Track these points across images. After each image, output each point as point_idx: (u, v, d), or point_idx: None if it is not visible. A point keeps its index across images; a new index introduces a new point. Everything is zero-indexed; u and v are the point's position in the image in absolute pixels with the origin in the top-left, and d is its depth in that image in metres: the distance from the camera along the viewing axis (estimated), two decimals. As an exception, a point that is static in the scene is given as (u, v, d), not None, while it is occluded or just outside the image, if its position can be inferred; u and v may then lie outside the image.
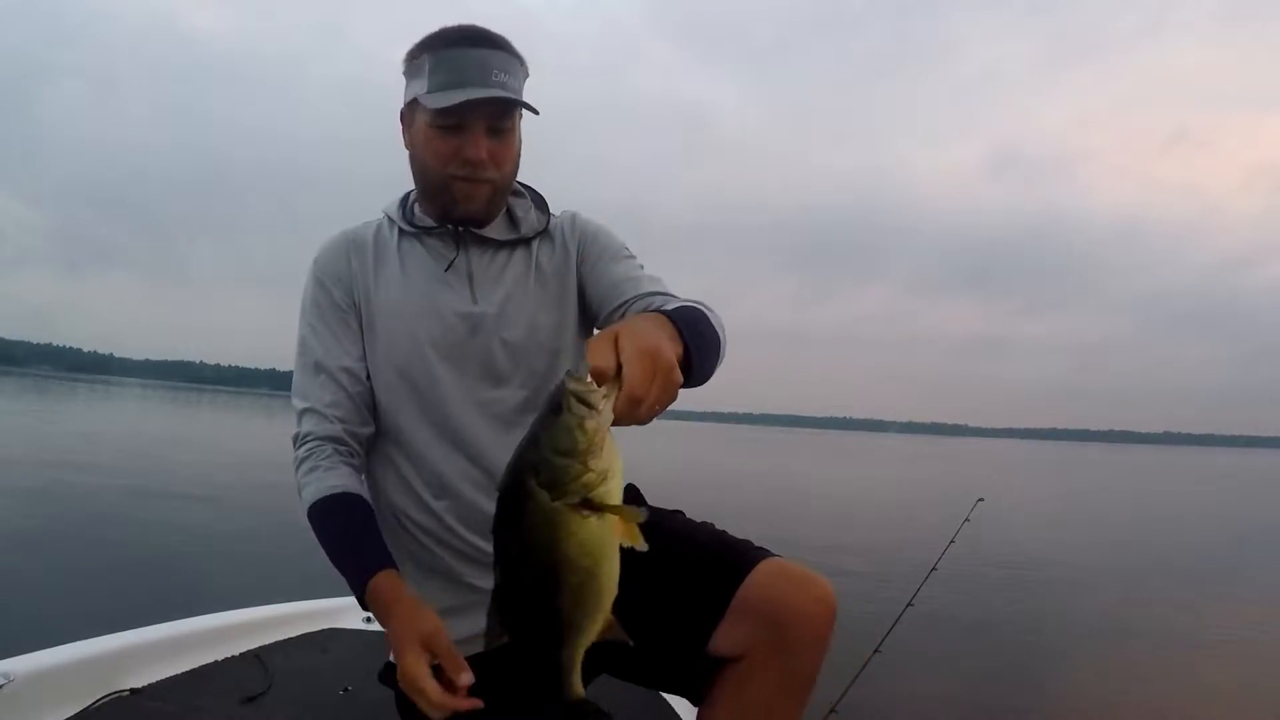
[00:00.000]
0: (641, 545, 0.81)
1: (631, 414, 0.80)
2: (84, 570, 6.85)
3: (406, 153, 1.29)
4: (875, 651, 2.57)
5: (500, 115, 1.19)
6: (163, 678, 2.18)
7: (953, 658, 5.91)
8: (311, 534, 1.18)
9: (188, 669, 2.26)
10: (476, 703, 0.96)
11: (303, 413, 1.25)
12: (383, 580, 1.06)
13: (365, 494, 1.19)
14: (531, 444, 0.79)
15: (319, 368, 1.24)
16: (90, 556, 7.41)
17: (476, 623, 1.16)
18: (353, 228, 1.33)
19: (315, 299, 1.27)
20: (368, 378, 1.26)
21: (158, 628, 2.35)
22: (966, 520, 2.76)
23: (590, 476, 0.78)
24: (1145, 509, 21.65)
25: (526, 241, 1.28)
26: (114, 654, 2.15)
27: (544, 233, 1.31)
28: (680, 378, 0.85)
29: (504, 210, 1.30)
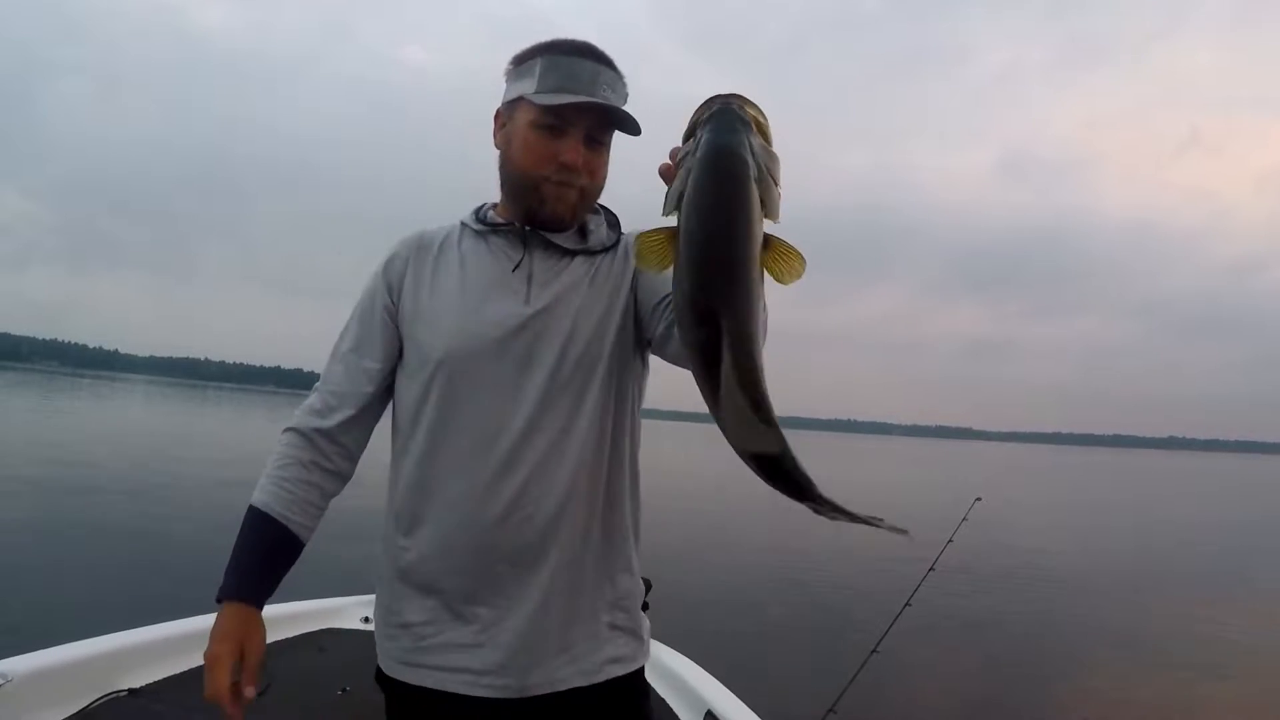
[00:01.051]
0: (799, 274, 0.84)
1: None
2: (82, 570, 6.88)
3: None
4: (873, 652, 2.58)
5: (601, 126, 1.21)
6: (161, 678, 2.19)
7: (950, 658, 5.93)
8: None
9: (185, 669, 2.26)
10: (236, 712, 1.08)
11: (311, 396, 1.29)
12: (229, 606, 1.17)
13: (286, 510, 1.20)
14: (734, 123, 0.82)
15: (336, 356, 1.28)
16: (89, 556, 7.44)
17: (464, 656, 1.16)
18: (429, 229, 1.34)
19: (364, 295, 1.30)
20: (387, 379, 1.27)
21: (156, 628, 2.36)
22: (964, 520, 2.76)
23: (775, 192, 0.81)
24: (1143, 513, 21.66)
25: (591, 253, 1.28)
26: (112, 654, 2.16)
27: (611, 249, 1.31)
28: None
29: (578, 225, 1.31)
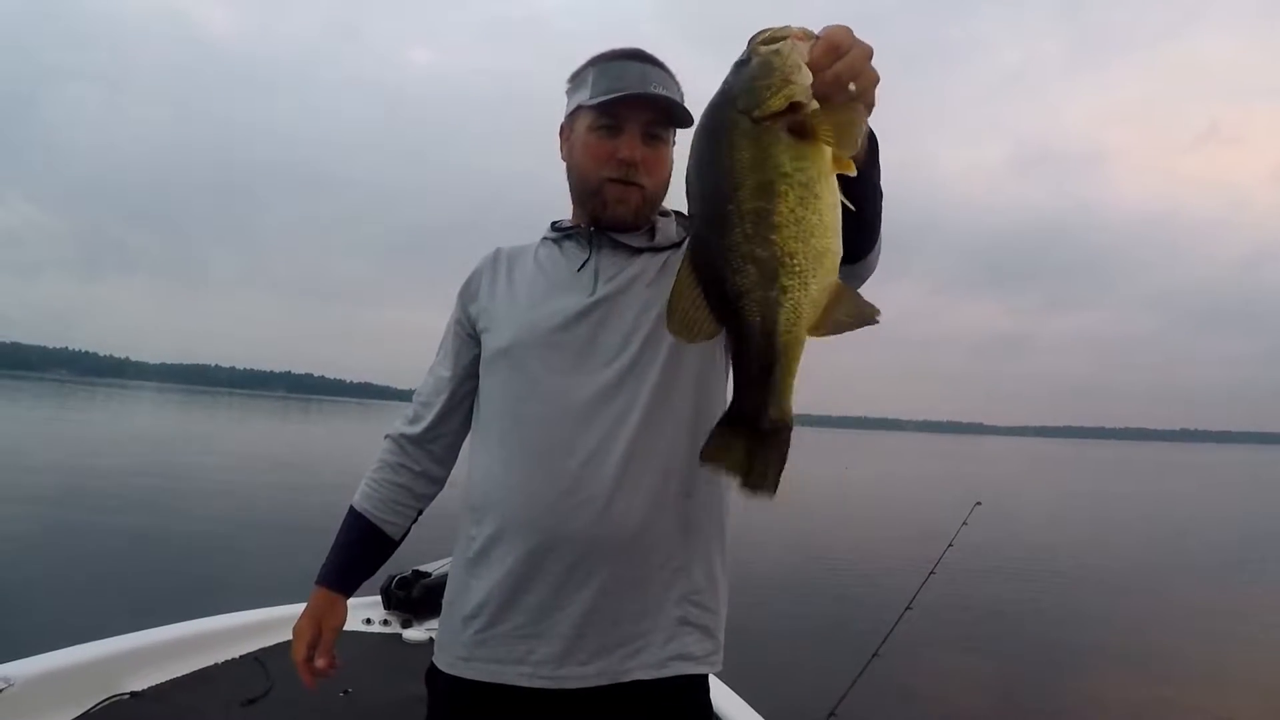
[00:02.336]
0: (853, 171, 0.74)
1: (829, 60, 0.72)
2: (85, 573, 6.91)
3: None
4: (874, 655, 2.58)
5: (656, 121, 1.23)
6: (163, 680, 2.21)
7: (952, 661, 5.92)
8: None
9: (188, 672, 2.29)
10: (309, 678, 1.30)
11: (410, 407, 1.40)
12: (317, 590, 1.35)
13: (375, 508, 1.35)
14: (724, 87, 0.74)
15: (430, 372, 1.39)
16: (91, 560, 7.47)
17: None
18: (506, 246, 1.41)
19: (454, 313, 1.40)
20: (464, 385, 1.35)
21: (158, 631, 2.38)
22: (964, 524, 2.76)
23: (793, 89, 0.70)
24: (1150, 507, 21.53)
25: (659, 250, 1.30)
26: (115, 657, 2.17)
27: (680, 244, 1.31)
28: (877, 75, 0.77)
29: (649, 225, 1.32)
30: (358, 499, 1.35)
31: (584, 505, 1.15)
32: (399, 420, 1.39)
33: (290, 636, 1.25)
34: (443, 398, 1.34)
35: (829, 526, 13.12)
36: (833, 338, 0.75)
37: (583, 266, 1.26)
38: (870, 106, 0.77)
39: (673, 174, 1.30)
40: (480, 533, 1.22)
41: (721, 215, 0.71)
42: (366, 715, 2.26)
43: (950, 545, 2.72)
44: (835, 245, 0.72)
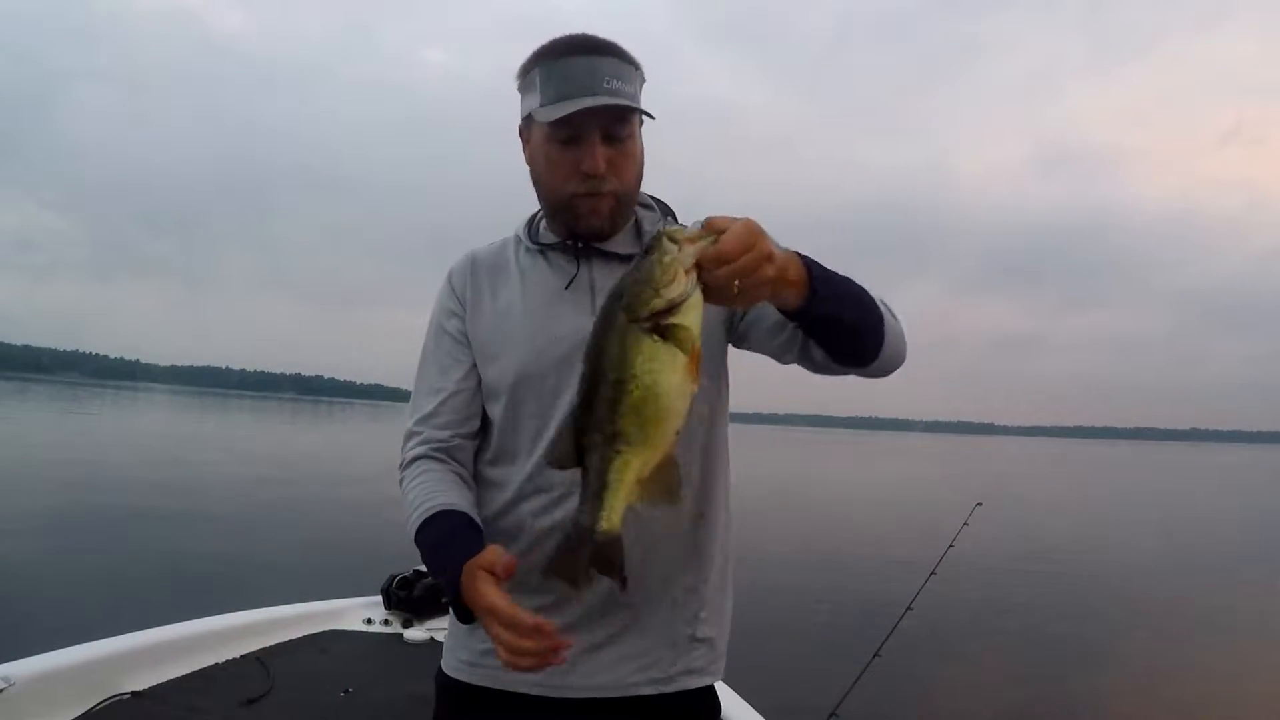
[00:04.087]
0: (694, 386, 0.91)
1: (714, 265, 0.88)
2: (86, 573, 6.93)
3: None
4: (875, 655, 2.57)
5: (615, 122, 1.16)
6: (164, 680, 2.22)
7: (952, 661, 5.91)
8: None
9: (189, 671, 2.29)
10: (552, 636, 0.95)
11: (408, 433, 1.27)
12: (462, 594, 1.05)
13: (453, 501, 1.16)
14: (620, 281, 0.92)
15: (423, 388, 1.28)
16: (92, 560, 7.51)
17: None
18: (481, 247, 1.34)
19: (432, 322, 1.32)
20: (473, 395, 1.27)
21: (159, 630, 2.39)
22: (965, 525, 2.76)
23: (659, 301, 0.88)
24: (1151, 507, 21.39)
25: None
26: (115, 657, 2.18)
27: None
28: (772, 272, 0.91)
29: (631, 222, 1.28)
30: (429, 507, 1.14)
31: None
32: (415, 446, 1.24)
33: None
34: (463, 414, 1.25)
35: (830, 527, 13.11)
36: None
37: (571, 283, 1.22)
38: (763, 297, 0.94)
39: (644, 158, 1.23)
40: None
41: (590, 394, 0.92)
42: (367, 714, 2.26)
43: (951, 546, 2.73)
44: (666, 429, 0.91)
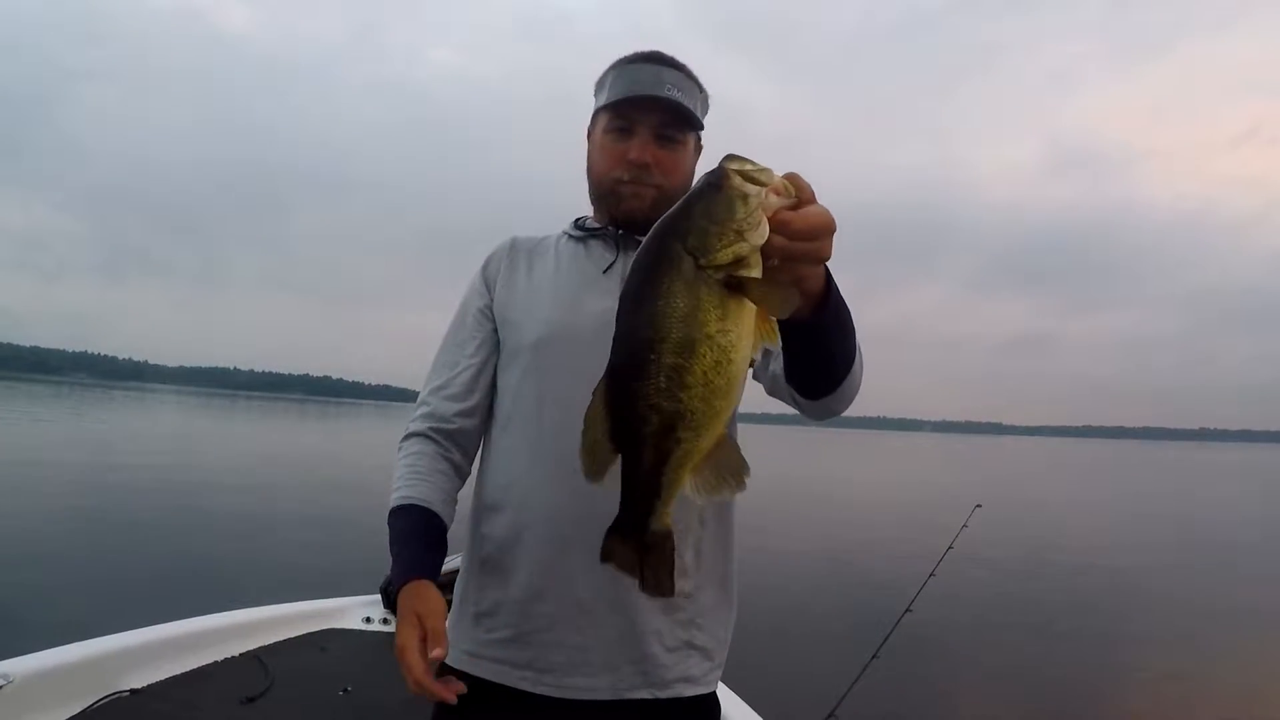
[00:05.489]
0: (777, 343, 0.78)
1: (779, 229, 0.75)
2: (84, 571, 6.96)
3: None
4: (874, 656, 2.57)
5: (668, 123, 1.24)
6: (163, 678, 2.22)
7: (951, 661, 5.89)
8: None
9: (188, 669, 2.30)
10: (447, 694, 1.02)
11: (419, 401, 1.31)
12: (401, 592, 1.12)
13: (422, 495, 1.20)
14: (683, 211, 0.74)
15: (439, 362, 1.31)
16: (91, 558, 7.54)
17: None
18: (521, 236, 1.38)
19: (462, 301, 1.35)
20: (486, 374, 1.29)
21: (158, 628, 2.39)
22: (965, 526, 2.75)
23: (744, 246, 0.71)
24: (1153, 507, 21.30)
25: None
26: (114, 655, 2.19)
27: None
28: (813, 275, 0.83)
29: None
30: (406, 493, 1.19)
31: (604, 523, 1.10)
32: (418, 419, 1.28)
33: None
34: (473, 389, 1.28)
35: (830, 528, 13.08)
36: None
37: (609, 268, 1.26)
38: (783, 288, 0.80)
39: (694, 175, 1.28)
40: (495, 533, 1.21)
41: (641, 361, 0.75)
42: (366, 713, 2.27)
43: (950, 547, 2.72)
44: (732, 403, 0.77)
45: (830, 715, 2.47)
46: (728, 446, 0.80)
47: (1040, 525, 14.89)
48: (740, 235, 0.72)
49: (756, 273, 0.73)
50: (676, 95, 1.21)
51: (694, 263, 0.72)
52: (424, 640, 1.03)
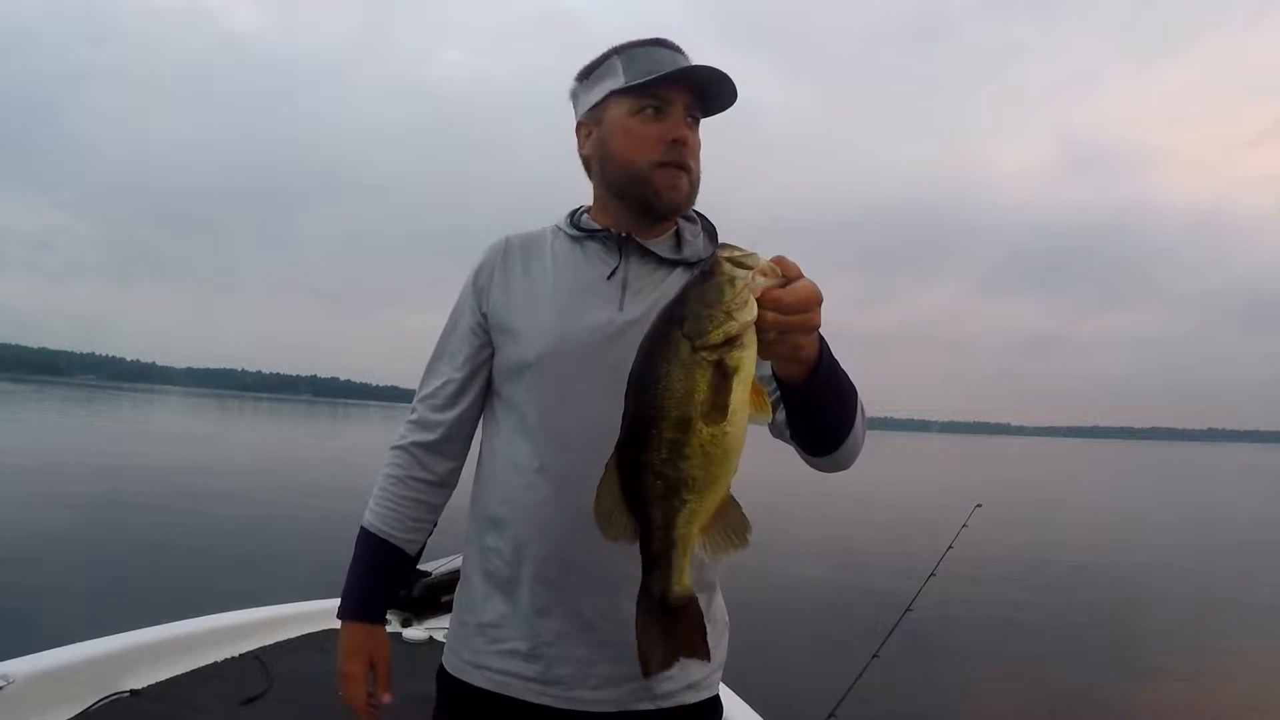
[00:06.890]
0: (768, 416, 0.87)
1: (770, 306, 0.83)
2: (84, 572, 6.99)
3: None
4: (874, 656, 2.56)
5: (700, 98, 1.18)
6: (163, 679, 2.23)
7: (951, 661, 5.89)
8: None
9: (188, 670, 2.30)
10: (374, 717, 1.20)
11: (410, 408, 1.32)
12: (350, 625, 1.26)
13: (389, 526, 1.27)
14: (680, 299, 0.84)
15: (429, 371, 1.31)
16: (91, 558, 7.56)
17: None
18: (519, 232, 1.32)
19: (454, 307, 1.32)
20: (477, 386, 1.28)
21: (158, 629, 2.39)
22: (965, 526, 2.75)
23: (733, 325, 0.80)
24: (1154, 507, 21.19)
25: (688, 265, 1.22)
26: (114, 655, 2.19)
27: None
28: (807, 345, 0.90)
29: (672, 230, 1.26)
30: (371, 518, 1.27)
31: (606, 541, 1.10)
32: (404, 429, 1.30)
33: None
34: (457, 401, 1.27)
35: (830, 528, 13.06)
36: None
37: (611, 275, 1.21)
38: (779, 359, 0.91)
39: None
40: (500, 545, 1.20)
41: (646, 436, 0.84)
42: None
43: (950, 547, 2.72)
44: (731, 468, 0.86)
45: (830, 715, 2.47)
46: (731, 507, 0.87)
47: (1041, 525, 14.86)
48: (729, 315, 0.81)
49: (751, 348, 0.82)
50: (709, 65, 1.15)
51: (690, 346, 0.81)
52: (372, 678, 1.21)
